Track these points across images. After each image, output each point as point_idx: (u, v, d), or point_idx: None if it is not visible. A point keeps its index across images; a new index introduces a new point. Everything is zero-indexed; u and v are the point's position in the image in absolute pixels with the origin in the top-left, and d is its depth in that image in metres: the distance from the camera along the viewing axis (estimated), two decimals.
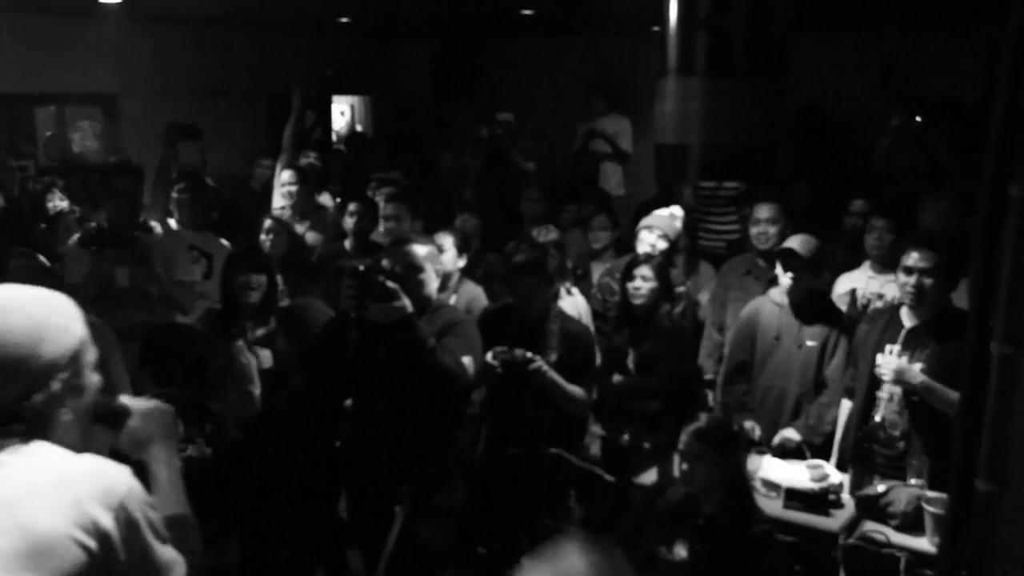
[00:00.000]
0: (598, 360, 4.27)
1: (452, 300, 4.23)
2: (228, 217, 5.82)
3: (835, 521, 3.51)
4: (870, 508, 3.47)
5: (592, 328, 4.29)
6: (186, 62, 7.63)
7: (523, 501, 3.60)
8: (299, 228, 5.48)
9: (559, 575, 1.12)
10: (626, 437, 4.10)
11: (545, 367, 3.59)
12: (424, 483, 3.26)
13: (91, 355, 1.61)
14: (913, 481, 3.49)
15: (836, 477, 3.66)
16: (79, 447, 1.54)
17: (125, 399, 1.86)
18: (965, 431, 1.52)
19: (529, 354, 3.55)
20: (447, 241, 4.41)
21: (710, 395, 4.64)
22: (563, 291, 4.40)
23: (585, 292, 4.77)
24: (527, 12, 6.94)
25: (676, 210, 5.05)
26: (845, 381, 3.95)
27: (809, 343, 4.09)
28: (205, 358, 3.34)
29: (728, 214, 6.11)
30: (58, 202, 5.60)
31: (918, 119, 5.58)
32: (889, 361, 3.59)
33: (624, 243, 5.39)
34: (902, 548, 3.28)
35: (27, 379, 1.48)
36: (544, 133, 7.84)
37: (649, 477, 3.91)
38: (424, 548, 3.25)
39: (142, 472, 1.69)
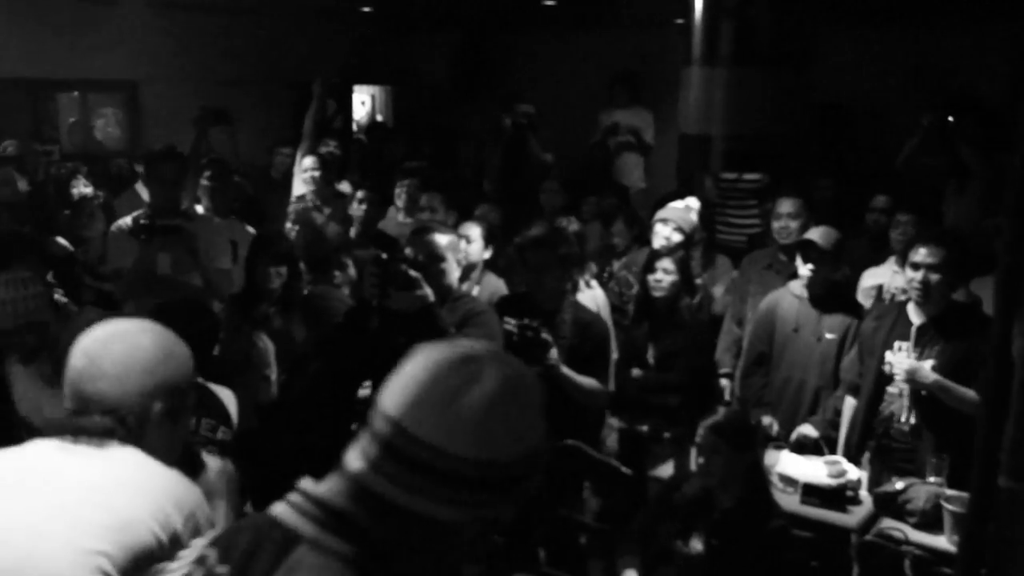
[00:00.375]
0: (615, 353, 4.26)
1: (475, 291, 4.22)
2: (248, 206, 5.84)
3: (852, 518, 3.49)
4: (888, 505, 3.45)
5: (610, 321, 4.27)
6: (208, 50, 7.67)
7: (538, 491, 3.59)
8: (319, 217, 5.49)
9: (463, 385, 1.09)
10: (645, 428, 4.10)
11: (554, 358, 3.52)
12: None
13: (192, 400, 1.86)
14: (932, 479, 3.47)
15: (854, 473, 3.63)
16: (163, 461, 1.73)
17: (206, 455, 2.06)
18: (987, 428, 1.51)
19: (545, 334, 3.49)
20: (474, 232, 4.40)
21: (728, 388, 4.62)
22: (582, 284, 4.38)
23: (603, 285, 4.76)
24: (549, 3, 6.93)
25: (691, 202, 5.01)
26: (851, 377, 3.93)
27: (828, 335, 4.08)
28: (210, 338, 3.29)
29: (749, 207, 6.07)
30: (82, 188, 5.66)
31: (950, 119, 5.50)
32: (901, 361, 3.57)
33: (642, 236, 5.36)
34: (920, 546, 3.26)
35: (139, 392, 1.71)
36: (563, 125, 7.83)
37: (666, 471, 3.90)
38: None
39: None
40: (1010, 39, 5.98)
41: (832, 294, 4.13)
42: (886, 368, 3.61)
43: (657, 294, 4.16)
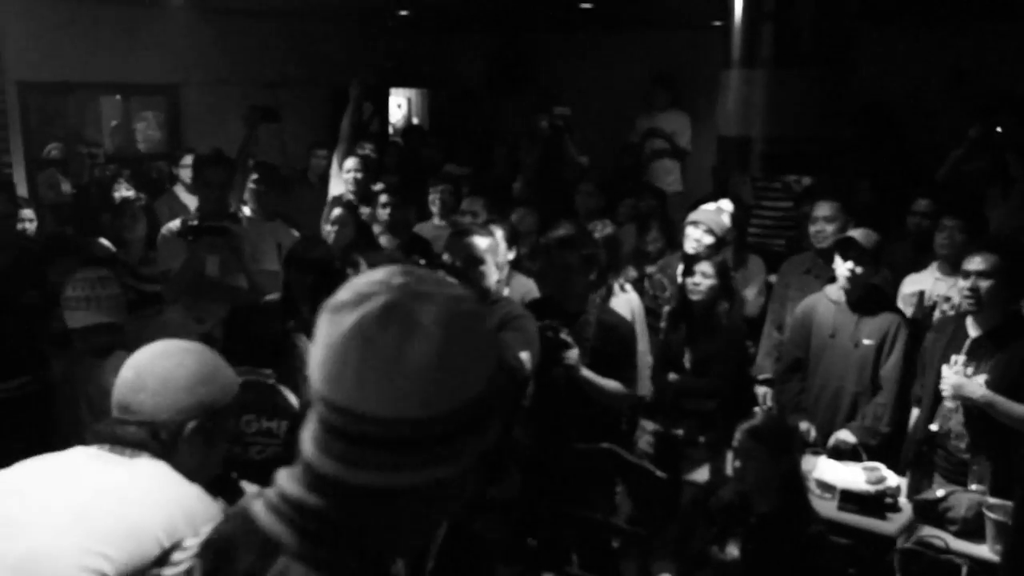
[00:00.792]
0: (649, 357, 4.24)
1: (505, 292, 4.24)
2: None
3: (891, 525, 3.45)
4: (928, 513, 3.41)
5: (644, 326, 4.25)
6: (247, 53, 7.75)
7: (572, 494, 3.59)
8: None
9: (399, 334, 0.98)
10: (680, 432, 4.08)
11: (573, 359, 3.44)
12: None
13: (231, 425, 1.94)
14: (974, 487, 3.42)
15: (893, 480, 3.59)
16: (192, 479, 1.79)
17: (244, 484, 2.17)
18: None
19: (564, 335, 3.43)
20: (498, 234, 4.41)
21: (769, 394, 4.57)
22: (616, 288, 4.37)
23: (638, 289, 4.74)
24: (586, 5, 6.91)
25: (724, 203, 4.94)
26: (915, 390, 3.87)
27: (866, 341, 4.02)
28: (283, 341, 3.35)
29: (786, 210, 6.01)
30: (124, 192, 5.75)
31: (998, 129, 5.39)
32: (948, 376, 3.52)
33: (675, 240, 5.33)
34: (961, 554, 3.22)
35: (176, 408, 1.79)
36: (599, 128, 7.81)
37: (701, 475, 3.88)
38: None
39: None
40: None
41: (870, 299, 4.08)
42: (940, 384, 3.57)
43: (695, 298, 4.14)
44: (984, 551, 3.21)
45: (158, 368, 1.82)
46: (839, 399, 4.08)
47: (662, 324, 4.55)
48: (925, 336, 3.90)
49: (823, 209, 4.67)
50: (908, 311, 4.37)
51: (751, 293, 5.01)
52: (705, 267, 4.13)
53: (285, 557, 1.04)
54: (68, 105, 7.53)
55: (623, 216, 6.02)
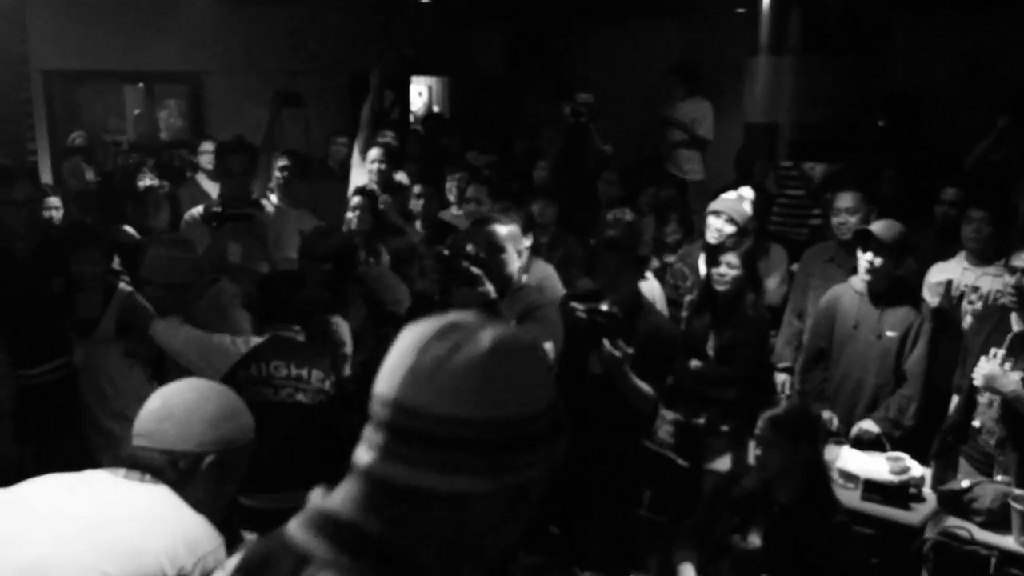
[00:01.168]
0: None
1: (524, 279, 4.23)
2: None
3: (915, 515, 3.43)
4: (953, 503, 3.38)
5: (666, 313, 4.23)
6: (268, 42, 7.77)
7: (594, 482, 3.59)
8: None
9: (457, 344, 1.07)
10: (702, 421, 4.06)
11: (623, 348, 3.33)
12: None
13: (243, 468, 1.97)
14: (999, 478, 3.39)
15: (917, 470, 3.57)
16: (204, 510, 1.85)
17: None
18: None
19: (618, 352, 3.31)
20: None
21: (788, 382, 4.55)
22: None
23: (659, 278, 4.72)
24: None
25: (745, 191, 4.87)
26: (956, 379, 3.84)
27: (889, 333, 3.99)
28: (315, 305, 3.57)
29: (809, 198, 5.95)
30: (148, 180, 5.79)
31: None
32: (982, 367, 3.48)
33: (696, 229, 5.29)
34: (987, 545, 3.19)
35: (198, 441, 1.85)
36: (622, 116, 7.76)
37: (723, 464, 3.87)
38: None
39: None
40: None
41: (893, 291, 4.04)
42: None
43: (720, 288, 4.11)
44: (1010, 542, 3.19)
45: (185, 400, 1.90)
46: (860, 390, 4.05)
47: (683, 313, 4.53)
48: (955, 326, 3.86)
49: (845, 200, 4.62)
50: (933, 300, 4.33)
51: (773, 282, 4.97)
52: (731, 258, 4.10)
53: (312, 568, 1.06)
54: (92, 94, 7.59)
55: (644, 205, 5.99)
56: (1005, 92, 5.92)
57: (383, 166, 5.69)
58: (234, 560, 1.19)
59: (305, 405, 3.22)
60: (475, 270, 2.99)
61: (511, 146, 7.96)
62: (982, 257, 4.32)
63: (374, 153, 5.71)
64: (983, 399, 3.59)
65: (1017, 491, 3.25)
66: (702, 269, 4.55)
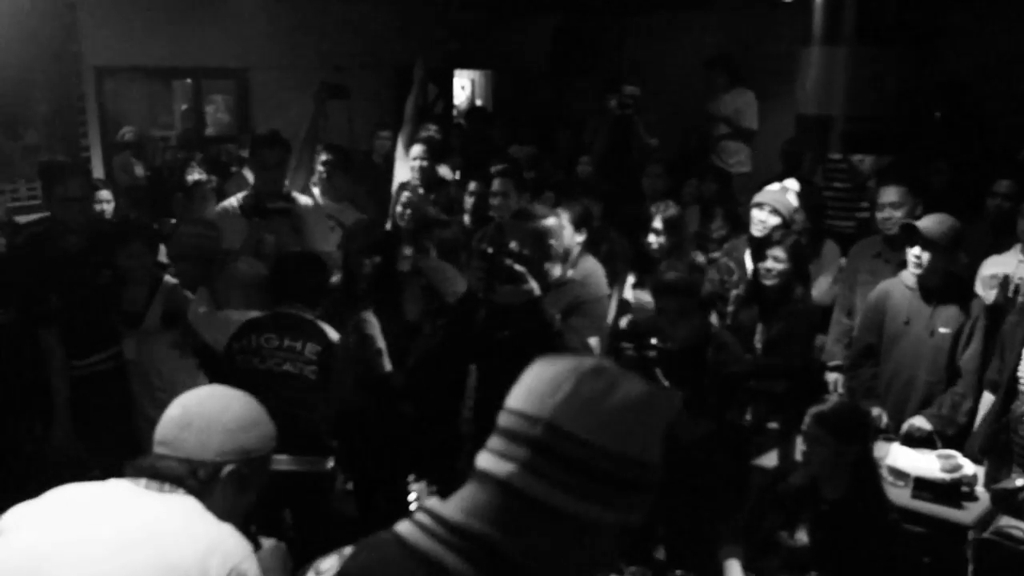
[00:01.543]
0: None
1: (569, 274, 4.21)
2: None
3: (967, 514, 3.37)
4: (1006, 502, 3.31)
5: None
6: (313, 37, 7.82)
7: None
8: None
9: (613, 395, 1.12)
10: (749, 417, 4.02)
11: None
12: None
13: (264, 478, 1.96)
14: None
15: (970, 469, 3.50)
16: (223, 519, 1.83)
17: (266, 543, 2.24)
18: None
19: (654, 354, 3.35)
20: (563, 217, 4.38)
21: (840, 380, 4.47)
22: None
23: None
24: None
25: (789, 183, 4.79)
26: (990, 374, 3.75)
27: (942, 330, 3.91)
28: (327, 286, 3.74)
29: (858, 189, 5.84)
30: (196, 175, 5.86)
31: None
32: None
33: (741, 222, 5.22)
34: None
35: (218, 450, 1.84)
36: (668, 109, 7.69)
37: (770, 460, 3.83)
38: None
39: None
40: None
41: (947, 287, 3.95)
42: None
43: (767, 282, 4.07)
44: None
45: (206, 408, 1.88)
46: (911, 387, 3.98)
47: (729, 308, 4.48)
48: (1006, 319, 3.77)
49: (889, 195, 4.52)
50: (986, 294, 4.23)
51: (825, 281, 4.89)
52: (777, 252, 4.05)
53: None
54: (141, 90, 7.70)
55: (687, 197, 5.94)
56: None
57: (425, 163, 5.67)
58: (332, 561, 1.20)
59: (292, 375, 3.35)
60: (518, 267, 2.99)
61: (555, 139, 7.93)
62: None
63: (417, 150, 5.69)
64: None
65: None
66: (748, 264, 4.50)
